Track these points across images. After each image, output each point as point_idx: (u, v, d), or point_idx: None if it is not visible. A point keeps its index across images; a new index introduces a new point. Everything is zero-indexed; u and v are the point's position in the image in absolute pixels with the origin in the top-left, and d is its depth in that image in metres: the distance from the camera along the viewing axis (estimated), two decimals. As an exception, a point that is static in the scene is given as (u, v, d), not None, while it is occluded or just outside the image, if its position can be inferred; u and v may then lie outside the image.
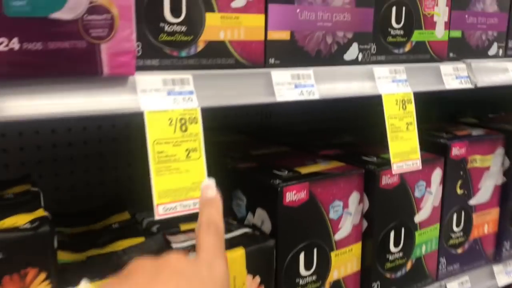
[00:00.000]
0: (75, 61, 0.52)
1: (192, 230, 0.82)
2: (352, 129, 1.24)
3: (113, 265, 0.71)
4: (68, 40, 0.51)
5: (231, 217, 0.87)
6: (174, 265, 0.42)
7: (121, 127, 1.04)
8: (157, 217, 0.59)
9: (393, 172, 0.81)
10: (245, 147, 1.04)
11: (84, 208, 0.93)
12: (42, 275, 0.61)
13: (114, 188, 1.05)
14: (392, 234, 0.92)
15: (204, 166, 0.62)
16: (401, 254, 0.95)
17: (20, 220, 0.60)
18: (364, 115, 1.10)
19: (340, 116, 1.46)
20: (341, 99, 0.76)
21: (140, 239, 0.79)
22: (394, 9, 0.82)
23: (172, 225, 0.82)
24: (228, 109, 1.36)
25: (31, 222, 0.60)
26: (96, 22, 0.52)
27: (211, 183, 0.55)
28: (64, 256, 0.73)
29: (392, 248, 0.93)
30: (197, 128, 0.62)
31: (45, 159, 0.96)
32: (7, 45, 0.48)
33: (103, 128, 1.02)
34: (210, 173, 0.97)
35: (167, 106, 0.60)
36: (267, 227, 0.81)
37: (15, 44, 0.48)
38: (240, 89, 0.66)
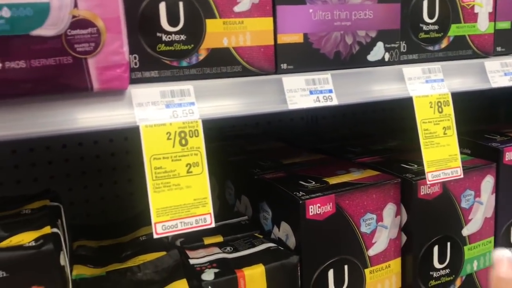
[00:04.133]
0: (62, 77, 0.51)
1: (215, 244, 0.80)
2: (400, 130, 1.15)
3: (128, 282, 0.70)
4: (52, 57, 0.50)
5: (257, 231, 0.83)
6: None
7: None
8: (155, 235, 0.57)
9: (428, 182, 0.73)
10: (279, 156, 1.00)
11: (116, 220, 0.94)
12: (49, 293, 0.60)
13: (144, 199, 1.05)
14: (435, 249, 0.84)
15: (207, 181, 0.59)
16: (447, 271, 0.86)
17: (26, 238, 0.60)
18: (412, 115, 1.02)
19: (391, 116, 1.38)
20: (363, 104, 0.69)
21: (161, 254, 0.77)
22: (425, 2, 0.74)
23: (196, 239, 0.80)
24: (270, 115, 1.33)
25: (36, 240, 0.59)
26: (80, 36, 0.50)
27: (510, 255, 0.43)
28: (83, 271, 0.73)
29: (436, 264, 0.84)
30: (199, 141, 0.59)
31: (73, 172, 0.98)
32: (-12, 65, 0.47)
33: (129, 139, 1.02)
34: (239, 184, 0.95)
35: (165, 119, 0.57)
36: (291, 242, 0.77)
37: (-3, 63, 0.48)
38: (247, 98, 0.63)
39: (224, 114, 0.61)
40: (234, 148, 1.11)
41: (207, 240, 0.81)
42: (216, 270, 0.70)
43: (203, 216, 0.59)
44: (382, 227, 0.80)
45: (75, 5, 0.50)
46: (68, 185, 0.98)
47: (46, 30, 0.49)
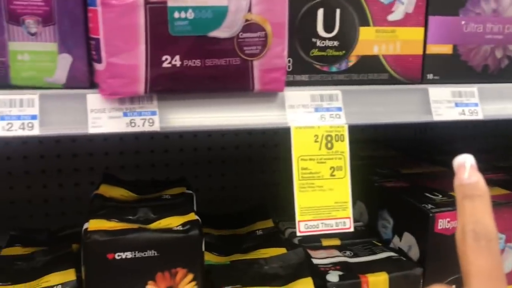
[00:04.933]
0: (229, 77, 0.54)
1: (334, 247, 0.81)
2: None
3: (254, 273, 0.73)
4: (223, 57, 0.53)
5: (375, 238, 0.83)
6: None
7: (271, 133, 1.07)
8: (299, 233, 0.59)
9: None
10: (395, 164, 0.99)
11: (233, 210, 0.97)
12: (190, 276, 0.64)
13: (261, 192, 1.07)
14: None
15: (348, 186, 0.60)
16: None
17: (174, 221, 0.65)
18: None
19: (509, 133, 1.31)
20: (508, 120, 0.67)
21: (282, 250, 0.79)
22: None
23: (314, 239, 0.82)
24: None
25: (183, 224, 0.64)
26: (250, 39, 0.54)
27: (471, 160, 0.39)
28: (210, 258, 0.77)
29: None
30: (344, 146, 0.60)
31: (200, 160, 1.03)
32: (170, 62, 0.52)
33: (253, 134, 1.06)
34: (356, 189, 0.95)
35: (314, 122, 0.59)
36: (414, 253, 0.76)
37: (177, 61, 0.52)
38: (391, 106, 0.63)
39: (369, 121, 0.62)
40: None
41: (325, 242, 0.82)
42: (340, 273, 0.71)
43: (343, 220, 0.60)
44: (510, 248, 0.77)
45: (249, 10, 0.53)
46: (195, 172, 1.04)
47: (221, 32, 0.52)
